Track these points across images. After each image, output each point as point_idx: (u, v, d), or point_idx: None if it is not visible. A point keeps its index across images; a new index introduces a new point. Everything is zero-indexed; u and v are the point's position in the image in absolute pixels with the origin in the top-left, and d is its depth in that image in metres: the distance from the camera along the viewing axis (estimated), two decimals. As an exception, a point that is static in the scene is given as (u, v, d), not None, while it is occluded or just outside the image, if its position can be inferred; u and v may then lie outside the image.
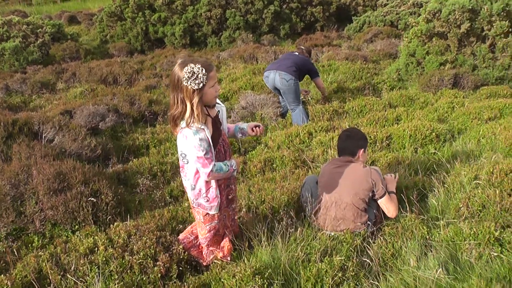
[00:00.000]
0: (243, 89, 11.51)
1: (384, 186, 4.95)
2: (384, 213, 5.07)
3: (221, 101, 4.21)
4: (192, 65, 3.66)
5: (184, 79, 3.65)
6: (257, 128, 4.48)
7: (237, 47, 19.27)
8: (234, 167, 4.12)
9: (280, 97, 9.84)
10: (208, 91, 3.79)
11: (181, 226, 5.20)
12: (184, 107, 3.75)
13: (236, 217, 4.73)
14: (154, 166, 7.35)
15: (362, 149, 5.19)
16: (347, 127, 8.21)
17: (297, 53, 9.69)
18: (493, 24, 11.12)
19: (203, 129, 3.79)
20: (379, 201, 4.99)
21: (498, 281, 3.83)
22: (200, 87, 3.69)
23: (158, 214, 5.52)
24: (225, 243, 4.55)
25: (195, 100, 3.71)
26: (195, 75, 3.65)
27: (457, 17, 11.13)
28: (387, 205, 4.98)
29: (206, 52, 20.41)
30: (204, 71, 3.66)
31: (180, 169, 4.14)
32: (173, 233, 4.97)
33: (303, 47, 9.96)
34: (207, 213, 4.20)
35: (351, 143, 5.17)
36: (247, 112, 9.79)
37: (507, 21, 10.99)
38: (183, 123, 3.79)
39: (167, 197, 6.55)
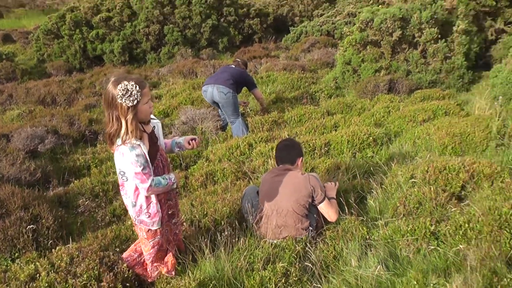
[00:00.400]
0: (183, 104, 11.53)
1: (323, 191, 5.04)
2: (324, 218, 5.17)
3: (157, 117, 4.25)
4: (126, 82, 3.67)
5: (118, 96, 3.66)
6: (193, 141, 4.52)
7: (177, 63, 19.20)
8: (173, 180, 4.14)
9: (219, 110, 9.90)
10: (142, 107, 3.81)
11: (125, 245, 5.19)
12: (119, 124, 3.76)
13: (178, 231, 4.74)
14: (96, 186, 7.27)
15: (301, 158, 5.33)
16: (287, 136, 8.34)
17: (233, 66, 9.78)
18: (423, 31, 11.48)
19: (139, 145, 3.81)
20: (319, 207, 5.07)
21: (434, 272, 4.00)
22: (134, 104, 3.70)
23: (101, 234, 5.48)
24: (169, 258, 4.54)
25: (130, 117, 3.73)
26: (129, 92, 3.66)
27: (388, 25, 11.44)
28: (327, 210, 5.08)
29: (146, 68, 20.25)
30: (137, 88, 3.69)
31: (120, 187, 4.13)
32: (117, 252, 4.91)
33: (239, 60, 10.07)
34: (150, 229, 4.20)
35: (290, 152, 5.30)
36: (187, 127, 9.82)
37: (436, 28, 11.38)
38: (119, 141, 3.80)
39: (110, 217, 6.50)
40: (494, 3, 12.37)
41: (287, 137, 8.09)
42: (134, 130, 3.76)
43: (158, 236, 4.30)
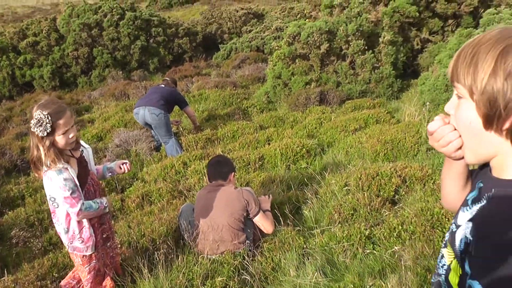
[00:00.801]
0: (116, 127, 11.40)
1: (257, 205, 5.08)
2: (261, 230, 5.19)
3: (91, 141, 4.19)
4: (39, 111, 3.59)
5: (31, 124, 3.60)
6: (124, 165, 4.49)
7: (108, 85, 18.96)
8: (105, 204, 4.09)
9: (152, 131, 9.87)
10: (58, 138, 3.71)
11: (62, 273, 5.08)
12: (38, 151, 3.70)
13: (115, 254, 4.67)
14: (31, 215, 7.07)
15: (233, 173, 5.39)
16: (221, 152, 8.37)
17: (163, 86, 9.78)
18: (350, 43, 11.71)
19: (66, 168, 3.76)
20: (254, 220, 5.11)
21: (371, 274, 4.07)
22: (45, 134, 3.62)
23: (37, 264, 5.32)
24: (107, 281, 4.47)
25: (46, 145, 3.65)
26: (40, 122, 3.58)
27: (316, 38, 11.61)
28: (262, 222, 5.11)
29: (77, 92, 19.88)
30: (49, 118, 3.59)
31: (52, 214, 4.03)
32: (55, 281, 4.83)
33: (168, 79, 10.12)
34: (84, 255, 4.13)
35: (223, 168, 5.34)
36: (121, 150, 9.71)
37: (362, 40, 11.64)
38: (45, 166, 3.74)
39: (46, 245, 6.33)
40: (418, 14, 12.72)
41: (221, 153, 8.13)
42: (54, 158, 3.68)
43: (94, 261, 4.22)
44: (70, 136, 3.78)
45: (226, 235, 4.95)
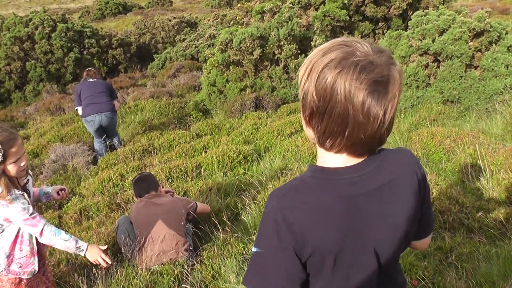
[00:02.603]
0: (52, 142, 11.22)
1: (191, 201, 5.42)
2: (196, 239, 5.28)
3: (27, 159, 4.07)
4: None
5: None
6: (62, 191, 4.40)
7: (43, 100, 18.61)
8: (82, 247, 3.97)
9: (97, 138, 9.90)
10: (10, 167, 3.62)
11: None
12: None
13: (49, 274, 4.52)
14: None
15: (161, 185, 5.65)
16: (158, 163, 8.35)
17: (95, 80, 9.91)
18: (283, 48, 11.83)
19: (22, 194, 3.71)
20: (197, 210, 5.38)
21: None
22: None
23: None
24: None
25: None
26: None
27: (248, 45, 11.68)
28: (203, 208, 5.57)
29: (12, 108, 19.41)
30: (0, 147, 3.50)
31: None
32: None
33: (93, 70, 10.26)
34: (17, 278, 3.95)
35: (152, 182, 5.52)
36: (58, 165, 9.56)
37: (294, 44, 11.77)
38: None
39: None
40: (348, 18, 12.96)
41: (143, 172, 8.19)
42: (8, 185, 3.61)
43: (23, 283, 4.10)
44: (22, 164, 3.69)
45: (172, 243, 5.00)
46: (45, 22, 21.04)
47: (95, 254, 3.99)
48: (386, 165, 1.68)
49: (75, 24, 22.55)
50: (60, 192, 4.39)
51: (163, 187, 5.70)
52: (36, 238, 3.85)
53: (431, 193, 5.19)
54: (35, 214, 3.75)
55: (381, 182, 1.65)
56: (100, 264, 4.03)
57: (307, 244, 1.59)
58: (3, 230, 3.79)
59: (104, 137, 9.98)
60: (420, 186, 1.75)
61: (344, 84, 1.49)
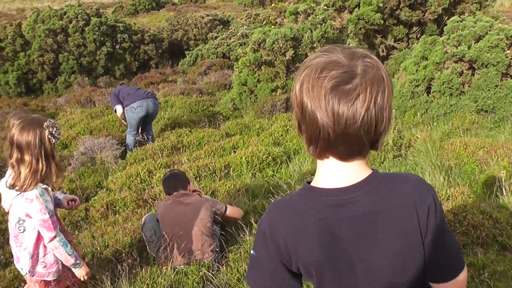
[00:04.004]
0: (82, 134, 11.27)
1: (220, 203, 5.33)
2: (223, 241, 5.24)
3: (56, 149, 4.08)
4: (48, 121, 3.65)
5: (49, 134, 3.59)
6: (73, 202, 4.36)
7: (74, 92, 18.72)
8: (79, 265, 3.96)
9: (133, 130, 9.94)
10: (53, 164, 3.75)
11: (23, 285, 4.99)
12: (38, 165, 3.62)
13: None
14: (-8, 226, 6.96)
15: (190, 183, 5.56)
16: (186, 160, 8.33)
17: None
18: (315, 49, 11.73)
19: (48, 188, 3.72)
20: (226, 214, 5.28)
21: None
22: (58, 141, 3.70)
23: (-1, 276, 5.27)
24: None
25: (50, 159, 3.67)
26: (53, 130, 3.62)
27: (281, 45, 11.61)
28: (234, 211, 5.40)
29: (43, 99, 19.59)
30: (58, 127, 3.67)
31: (14, 239, 3.88)
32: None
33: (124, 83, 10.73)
34: (43, 280, 3.98)
35: (181, 180, 5.46)
36: (86, 158, 9.59)
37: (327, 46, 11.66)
38: (19, 185, 3.63)
39: (8, 257, 6.18)
40: (382, 21, 12.82)
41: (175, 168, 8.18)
42: (48, 175, 3.69)
43: (52, 285, 4.09)
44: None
45: (198, 244, 4.97)
46: (79, 16, 21.19)
47: (83, 273, 4.02)
48: (382, 191, 1.63)
49: (109, 19, 22.68)
50: (70, 202, 4.34)
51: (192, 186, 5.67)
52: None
53: (463, 206, 5.09)
54: (54, 218, 3.75)
55: (368, 209, 1.61)
56: (79, 280, 4.10)
57: (293, 257, 1.69)
58: (24, 229, 3.78)
59: (138, 131, 10.05)
60: (421, 224, 1.63)
61: (307, 85, 1.51)
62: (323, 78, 1.48)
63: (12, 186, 3.66)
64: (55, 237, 3.73)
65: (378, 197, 1.61)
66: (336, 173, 1.63)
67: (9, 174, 3.75)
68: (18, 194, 3.67)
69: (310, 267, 1.67)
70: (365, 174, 1.63)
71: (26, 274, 3.92)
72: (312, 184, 1.70)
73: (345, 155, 1.59)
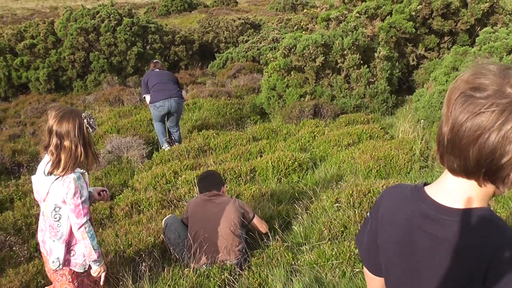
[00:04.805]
0: (109, 133, 11.34)
1: (251, 210, 5.26)
2: (246, 245, 5.21)
3: None
4: (84, 112, 3.78)
5: (87, 124, 3.75)
6: (103, 192, 4.43)
7: (103, 90, 18.90)
8: (100, 262, 3.98)
9: (160, 124, 10.17)
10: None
11: (47, 280, 5.00)
12: (77, 150, 3.75)
13: None
14: (19, 220, 6.97)
15: (225, 185, 5.54)
16: (212, 163, 8.34)
17: (160, 70, 10.24)
18: (346, 57, 11.70)
19: (84, 173, 3.83)
20: (252, 222, 5.24)
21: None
22: (95, 131, 3.87)
23: (22, 270, 5.27)
24: None
25: (87, 145, 3.82)
26: (90, 119, 3.76)
27: (311, 51, 11.58)
28: (259, 223, 5.30)
29: (72, 96, 19.83)
30: (93, 117, 3.81)
31: (49, 229, 3.88)
32: (39, 288, 4.76)
33: (158, 61, 10.62)
34: (74, 272, 4.01)
35: (216, 181, 5.45)
36: (113, 156, 9.66)
37: (358, 54, 11.62)
38: (58, 170, 3.73)
39: (33, 251, 6.25)
40: (414, 30, 12.74)
41: (213, 163, 8.18)
42: (86, 160, 3.85)
43: (85, 275, 4.11)
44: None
45: (224, 244, 4.98)
46: (111, 15, 21.35)
47: (101, 271, 4.03)
48: (473, 232, 1.56)
49: (140, 19, 22.84)
50: (101, 193, 4.42)
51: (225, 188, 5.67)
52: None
53: None
54: (86, 205, 3.79)
55: (450, 238, 1.58)
56: (97, 279, 4.10)
57: (379, 234, 1.83)
58: (60, 216, 3.82)
59: (164, 121, 10.26)
60: (478, 274, 1.53)
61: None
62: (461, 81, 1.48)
63: (50, 173, 3.75)
64: (83, 225, 3.77)
65: (465, 236, 1.56)
66: (444, 185, 1.63)
67: (46, 162, 3.83)
68: (56, 179, 3.74)
69: (383, 254, 1.81)
70: (471, 204, 1.57)
71: (59, 266, 3.91)
72: (427, 187, 1.72)
73: (452, 167, 1.57)
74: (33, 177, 3.95)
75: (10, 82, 20.89)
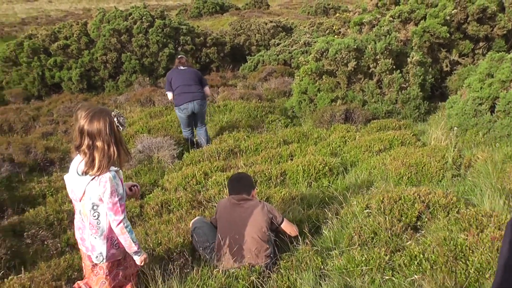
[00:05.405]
0: (140, 133, 11.41)
1: (279, 214, 5.22)
2: (275, 248, 5.21)
3: None
4: (113, 111, 3.86)
5: (117, 123, 3.83)
6: (134, 187, 4.54)
7: (134, 91, 19.06)
8: (141, 253, 4.14)
9: (185, 128, 10.53)
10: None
11: (77, 274, 5.08)
12: (110, 149, 3.82)
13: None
14: (51, 215, 7.09)
15: (255, 189, 5.52)
16: (243, 165, 8.34)
17: (186, 68, 10.37)
18: (378, 62, 11.62)
19: (119, 171, 3.92)
20: (281, 226, 5.21)
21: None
22: (125, 128, 3.93)
23: (54, 264, 5.34)
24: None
25: (119, 143, 3.91)
26: (120, 118, 3.84)
27: (343, 56, 11.53)
28: (290, 226, 5.28)
29: (104, 96, 20.03)
30: (123, 116, 3.90)
31: (90, 227, 4.00)
32: (70, 282, 4.85)
33: (184, 57, 10.71)
34: (112, 262, 4.15)
35: (246, 184, 5.40)
36: (144, 156, 9.72)
37: (390, 59, 11.52)
38: (93, 170, 3.81)
39: (64, 246, 6.35)
40: (448, 35, 12.59)
41: (244, 165, 8.19)
42: (118, 158, 3.92)
43: (121, 267, 4.27)
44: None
45: (252, 248, 4.98)
46: (143, 17, 21.56)
47: (143, 259, 4.18)
48: None
49: (172, 21, 23.00)
50: (132, 188, 4.52)
51: (256, 192, 5.65)
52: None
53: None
54: (123, 202, 3.88)
55: None
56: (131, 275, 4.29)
57: None
58: (99, 214, 3.94)
59: (191, 128, 10.53)
60: None
61: None
62: None
63: (85, 173, 3.84)
64: (122, 221, 3.87)
65: None
66: None
67: (78, 162, 3.93)
68: (92, 179, 3.82)
69: None
70: None
71: (103, 260, 4.06)
72: None
73: None
74: (65, 177, 4.04)
75: (43, 82, 21.30)
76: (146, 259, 4.21)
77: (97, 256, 4.05)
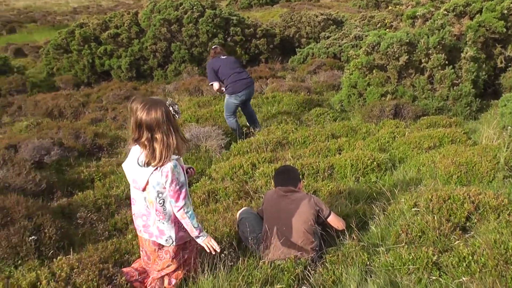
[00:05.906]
0: (188, 122, 11.48)
1: (326, 207, 5.20)
2: (322, 241, 5.21)
3: None
4: (169, 100, 3.97)
5: (173, 111, 3.93)
6: (190, 170, 4.60)
7: (183, 80, 19.16)
8: (204, 236, 4.26)
9: (231, 115, 10.55)
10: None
11: (124, 258, 5.22)
12: (169, 139, 3.92)
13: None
14: (99, 199, 7.26)
15: (301, 182, 5.52)
16: (290, 157, 8.33)
17: (227, 57, 10.58)
18: (430, 56, 11.42)
19: (179, 159, 4.05)
20: (328, 219, 5.19)
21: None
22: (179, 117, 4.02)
23: (101, 246, 5.48)
24: (178, 273, 4.57)
25: (178, 133, 4.02)
26: (175, 107, 3.94)
27: (395, 50, 11.39)
28: (337, 220, 5.25)
29: (152, 85, 20.22)
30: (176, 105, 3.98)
31: (156, 213, 4.15)
32: (116, 265, 4.95)
33: (218, 46, 11.01)
34: (179, 245, 4.33)
35: (293, 176, 5.42)
36: (192, 145, 9.77)
37: (443, 54, 11.30)
38: (155, 161, 3.92)
39: (111, 230, 6.48)
40: (505, 30, 12.27)
41: (292, 157, 8.19)
42: (175, 147, 4.01)
43: (187, 251, 4.49)
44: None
45: (298, 240, 5.01)
46: (194, 7, 21.64)
47: (208, 242, 4.29)
48: None
49: (223, 11, 23.02)
50: (188, 170, 4.57)
51: (302, 185, 5.65)
52: None
53: None
54: (184, 189, 4.00)
55: None
56: (210, 249, 4.31)
57: None
58: (164, 200, 4.08)
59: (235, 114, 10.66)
60: None
61: None
62: None
63: (147, 164, 3.96)
64: (182, 207, 4.02)
65: None
66: None
67: (138, 153, 4.05)
68: (155, 170, 3.94)
69: None
70: None
71: (172, 243, 4.26)
72: None
73: None
74: (124, 166, 4.18)
75: (93, 69, 21.79)
76: (210, 241, 4.29)
77: (166, 240, 4.23)
